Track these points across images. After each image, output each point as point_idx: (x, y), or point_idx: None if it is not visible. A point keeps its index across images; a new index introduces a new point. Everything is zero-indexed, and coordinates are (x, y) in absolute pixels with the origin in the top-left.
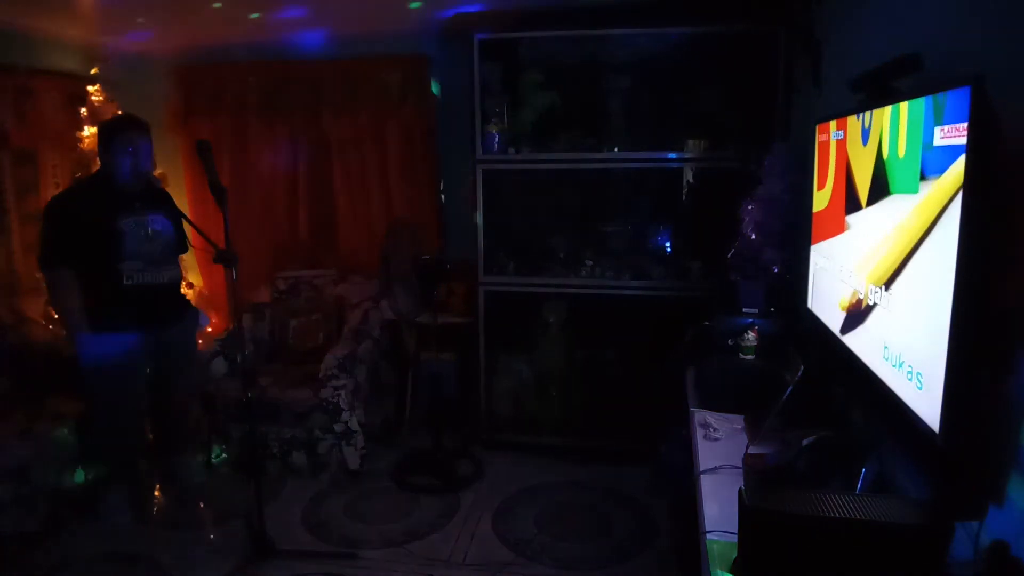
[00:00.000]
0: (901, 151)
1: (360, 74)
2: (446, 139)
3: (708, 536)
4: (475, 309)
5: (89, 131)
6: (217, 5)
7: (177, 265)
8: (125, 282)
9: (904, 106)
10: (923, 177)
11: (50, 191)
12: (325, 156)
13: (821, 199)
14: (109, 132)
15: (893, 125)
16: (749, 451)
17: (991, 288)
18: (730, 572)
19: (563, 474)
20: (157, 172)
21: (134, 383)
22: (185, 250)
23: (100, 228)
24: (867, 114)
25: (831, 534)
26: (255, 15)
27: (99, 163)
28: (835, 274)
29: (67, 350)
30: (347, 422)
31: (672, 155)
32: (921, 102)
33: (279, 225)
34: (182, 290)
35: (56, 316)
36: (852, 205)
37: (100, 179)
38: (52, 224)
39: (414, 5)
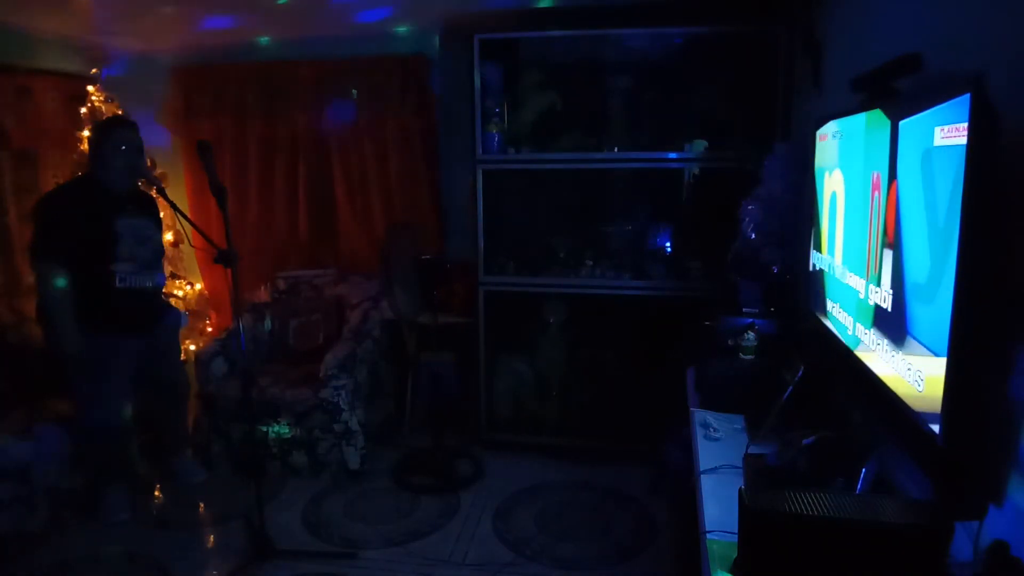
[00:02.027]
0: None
1: (360, 74)
2: (446, 139)
3: (708, 536)
4: (475, 309)
5: (89, 131)
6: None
7: (162, 269)
8: (118, 284)
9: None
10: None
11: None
12: (325, 156)
13: None
14: (100, 133)
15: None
16: (749, 451)
17: (991, 287)
18: (730, 572)
19: (563, 474)
20: (157, 172)
21: (120, 384)
22: (163, 255)
23: (95, 229)
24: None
25: (831, 534)
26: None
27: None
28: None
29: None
30: (347, 422)
31: (672, 155)
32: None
33: (279, 225)
34: (174, 292)
35: (43, 313)
36: None
37: (91, 180)
38: (43, 221)
39: None
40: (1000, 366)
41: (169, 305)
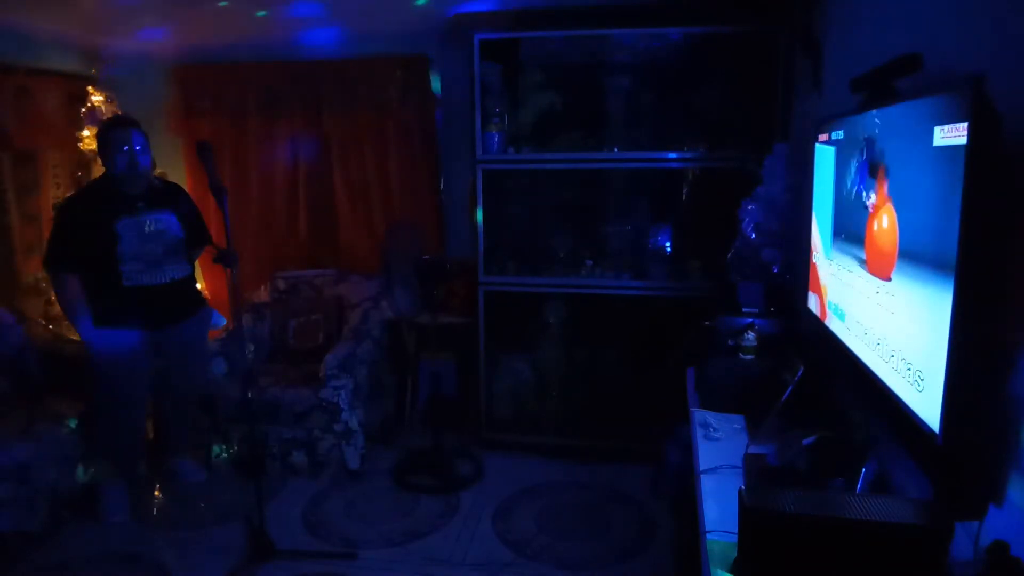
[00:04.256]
0: None
1: (360, 74)
2: (446, 139)
3: (708, 536)
4: (475, 309)
5: (89, 131)
6: (223, 3)
7: (184, 263)
8: (125, 283)
9: None
10: None
11: (50, 191)
12: (325, 156)
13: None
14: (104, 134)
15: None
16: (749, 451)
17: (991, 288)
18: (730, 572)
19: (563, 474)
20: (157, 172)
21: (137, 382)
22: (206, 242)
23: (99, 231)
24: None
25: (831, 534)
26: (261, 13)
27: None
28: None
29: (68, 349)
30: (347, 422)
31: (672, 155)
32: None
33: (279, 225)
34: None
35: (65, 316)
36: None
37: (104, 182)
38: (57, 227)
39: (420, 2)
40: (1000, 366)
41: (200, 301)
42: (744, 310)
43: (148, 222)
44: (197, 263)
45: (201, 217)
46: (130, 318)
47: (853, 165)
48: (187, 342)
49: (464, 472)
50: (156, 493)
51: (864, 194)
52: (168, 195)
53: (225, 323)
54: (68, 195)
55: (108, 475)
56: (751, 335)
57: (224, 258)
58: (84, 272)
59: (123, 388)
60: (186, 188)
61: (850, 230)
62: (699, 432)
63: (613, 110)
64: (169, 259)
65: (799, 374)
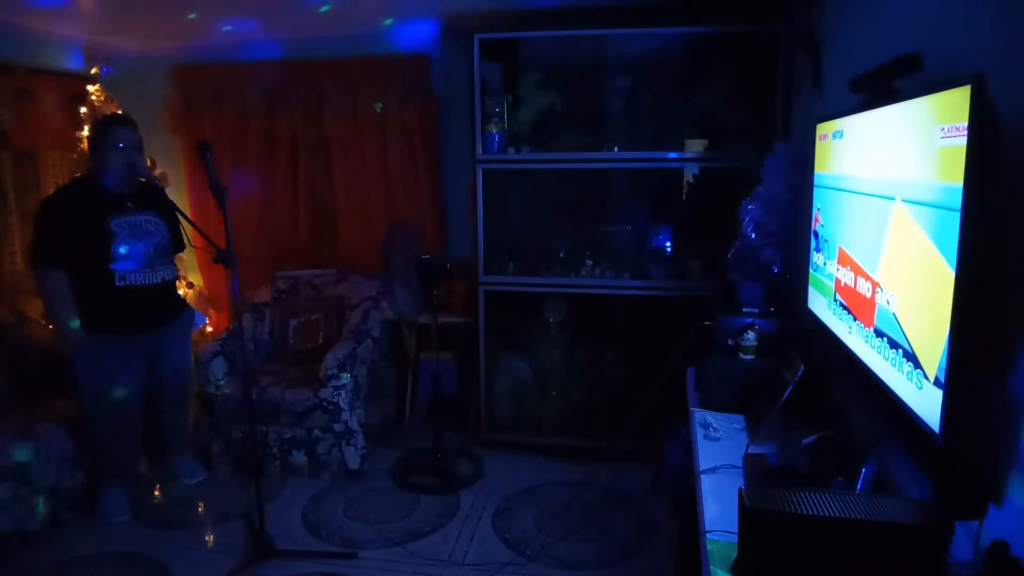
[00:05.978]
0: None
1: (360, 74)
2: (446, 139)
3: (708, 536)
4: (475, 309)
5: (89, 130)
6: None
7: (171, 265)
8: (117, 283)
9: None
10: None
11: (50, 191)
12: (325, 156)
13: None
14: (98, 131)
15: None
16: (749, 451)
17: (991, 288)
18: (730, 572)
19: (563, 474)
20: (157, 172)
21: (128, 383)
22: (182, 248)
23: (91, 229)
24: None
25: (831, 534)
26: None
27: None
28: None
29: (66, 350)
30: (347, 422)
31: (672, 155)
32: None
33: (279, 225)
34: (179, 290)
35: (48, 316)
36: None
37: (92, 180)
38: (42, 225)
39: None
40: (1000, 366)
41: (183, 302)
42: (744, 310)
43: (140, 222)
44: (181, 265)
45: (180, 222)
46: (122, 319)
47: None
48: (176, 342)
49: (464, 472)
50: (156, 493)
51: None
52: (154, 196)
53: (206, 322)
54: (50, 194)
55: (104, 477)
56: (751, 335)
57: (224, 258)
58: (72, 272)
59: (114, 392)
60: (185, 188)
61: None
62: (699, 432)
63: (613, 110)
64: (159, 260)
65: (799, 374)
